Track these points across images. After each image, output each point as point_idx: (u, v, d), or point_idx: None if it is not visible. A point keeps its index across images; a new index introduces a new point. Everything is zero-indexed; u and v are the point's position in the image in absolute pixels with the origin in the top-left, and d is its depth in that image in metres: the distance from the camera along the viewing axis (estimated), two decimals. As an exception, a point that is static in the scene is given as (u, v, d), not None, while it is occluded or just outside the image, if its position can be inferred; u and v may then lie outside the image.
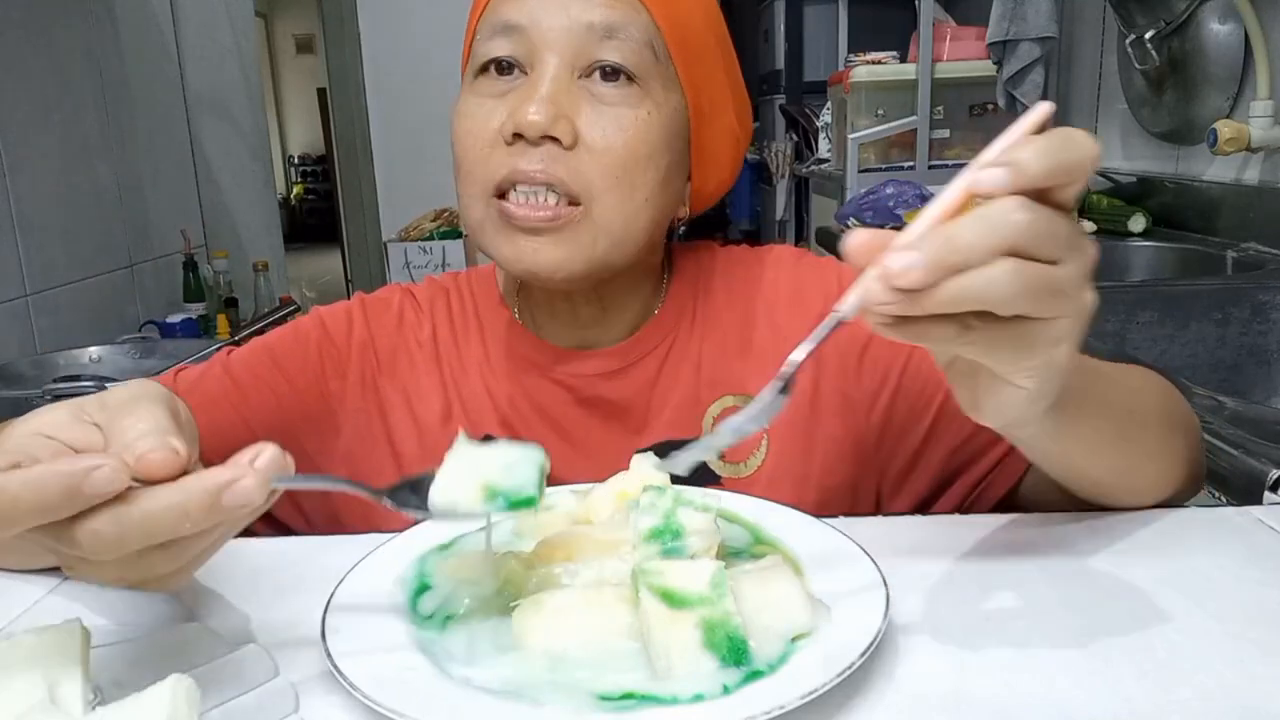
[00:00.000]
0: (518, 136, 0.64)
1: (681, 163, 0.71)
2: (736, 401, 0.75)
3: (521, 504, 0.47)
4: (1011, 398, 0.45)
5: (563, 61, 0.65)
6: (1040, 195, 0.40)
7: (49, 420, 0.41)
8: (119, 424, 0.41)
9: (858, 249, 0.41)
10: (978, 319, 0.41)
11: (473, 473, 0.47)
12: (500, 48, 0.67)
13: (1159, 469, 0.62)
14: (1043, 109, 0.42)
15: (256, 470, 0.39)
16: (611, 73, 0.66)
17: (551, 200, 0.65)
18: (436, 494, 0.47)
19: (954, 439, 0.71)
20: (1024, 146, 0.39)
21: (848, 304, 0.42)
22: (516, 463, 0.48)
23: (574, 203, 0.65)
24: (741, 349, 0.75)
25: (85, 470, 0.37)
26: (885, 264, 0.39)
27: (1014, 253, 0.39)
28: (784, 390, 0.46)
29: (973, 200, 0.40)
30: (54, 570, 0.61)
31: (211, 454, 0.43)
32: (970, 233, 0.39)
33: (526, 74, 0.67)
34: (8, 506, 0.37)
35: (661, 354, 0.75)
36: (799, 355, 0.45)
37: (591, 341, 0.75)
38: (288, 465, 0.42)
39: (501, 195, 0.66)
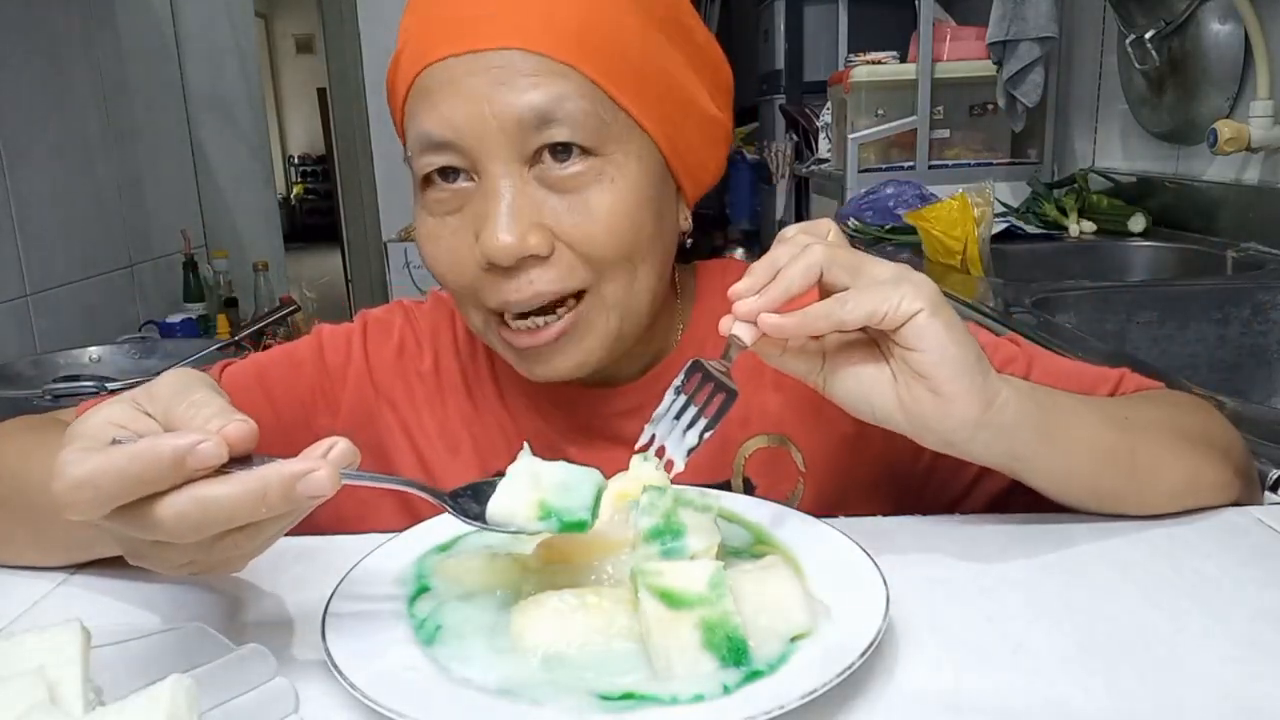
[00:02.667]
0: (493, 265, 0.60)
1: (667, 193, 0.66)
2: (770, 442, 0.72)
3: (573, 526, 0.48)
4: (929, 353, 0.51)
5: (508, 162, 0.60)
6: None
7: (114, 413, 0.43)
8: (177, 411, 0.43)
9: (737, 312, 0.52)
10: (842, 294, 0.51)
11: (532, 488, 0.49)
12: (435, 163, 0.61)
13: (1163, 479, 0.61)
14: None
15: (329, 463, 0.42)
16: (562, 150, 0.60)
17: (554, 317, 0.62)
18: (495, 506, 0.49)
19: (997, 486, 0.69)
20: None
21: (741, 330, 0.52)
22: (575, 483, 0.49)
23: (578, 295, 0.62)
24: (776, 382, 0.71)
25: (192, 444, 0.39)
26: (733, 291, 0.53)
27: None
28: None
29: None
30: (54, 570, 0.61)
31: None
32: (776, 249, 0.53)
33: (474, 179, 0.61)
34: (115, 479, 0.39)
35: None
36: (713, 365, 0.54)
37: (608, 377, 0.72)
38: (356, 459, 0.44)
39: (499, 314, 0.63)
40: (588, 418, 0.72)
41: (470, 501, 0.50)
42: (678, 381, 0.53)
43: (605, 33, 0.61)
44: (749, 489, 0.72)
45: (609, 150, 0.61)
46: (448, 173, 0.62)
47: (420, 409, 0.75)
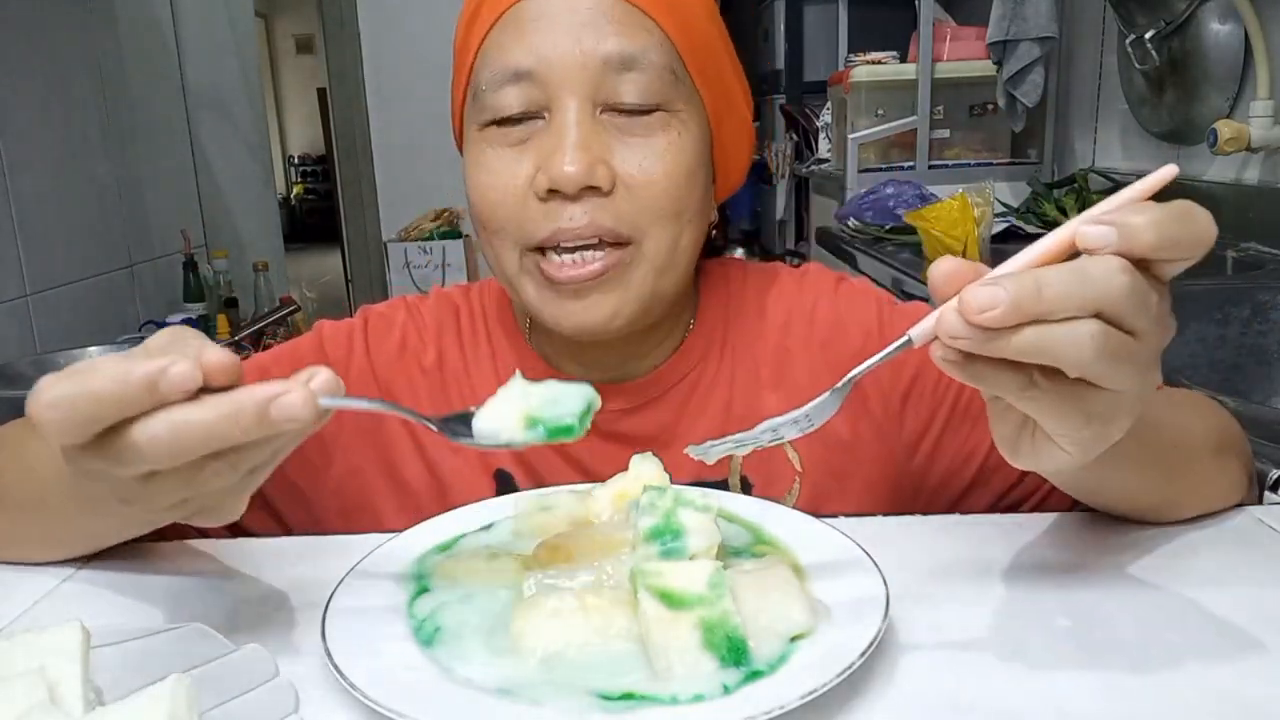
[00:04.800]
0: (553, 192, 0.61)
1: (710, 171, 0.69)
2: None
3: (560, 433, 0.48)
4: (1053, 458, 0.43)
5: (583, 100, 0.62)
6: (1143, 265, 0.38)
7: (106, 361, 0.43)
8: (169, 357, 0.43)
9: (944, 277, 0.39)
10: (1044, 375, 0.39)
11: (518, 405, 0.49)
12: (512, 100, 0.63)
13: (1205, 495, 0.61)
14: (1167, 172, 0.40)
15: (306, 388, 0.42)
16: (635, 98, 0.63)
17: (599, 254, 0.63)
18: (482, 420, 0.49)
19: (999, 487, 0.69)
20: (1140, 211, 0.38)
21: (920, 329, 0.41)
22: (563, 397, 0.49)
23: (622, 243, 0.63)
24: (775, 381, 0.72)
25: (163, 366, 0.40)
26: (966, 295, 0.37)
27: (1102, 315, 0.37)
28: (832, 401, 0.46)
29: (1072, 253, 0.39)
30: (55, 569, 0.61)
31: None
32: (1062, 283, 0.37)
33: (544, 117, 0.63)
34: (88, 400, 0.39)
35: (687, 388, 0.72)
36: (858, 371, 0.45)
37: (613, 377, 0.72)
38: (339, 389, 0.44)
39: (539, 249, 0.63)
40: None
41: (458, 424, 0.49)
42: (807, 409, 0.46)
43: (684, 3, 0.66)
44: (746, 488, 0.72)
45: (676, 107, 0.64)
46: (517, 112, 0.63)
47: (424, 406, 0.74)
